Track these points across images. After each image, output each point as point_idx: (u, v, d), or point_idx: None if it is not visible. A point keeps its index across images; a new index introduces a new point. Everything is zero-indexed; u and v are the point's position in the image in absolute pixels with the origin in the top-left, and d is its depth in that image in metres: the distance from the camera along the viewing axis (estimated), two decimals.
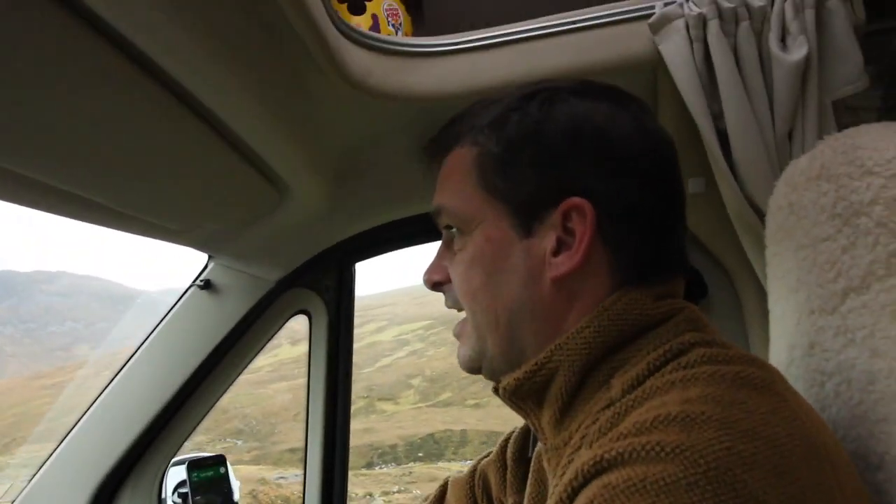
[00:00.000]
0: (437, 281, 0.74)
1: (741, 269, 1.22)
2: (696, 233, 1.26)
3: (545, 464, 0.70)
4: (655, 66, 1.05)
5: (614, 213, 0.62)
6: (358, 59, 0.97)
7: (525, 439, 0.88)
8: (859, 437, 0.61)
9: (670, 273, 0.65)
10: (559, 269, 0.62)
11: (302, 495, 1.64)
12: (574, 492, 0.50)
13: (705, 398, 0.49)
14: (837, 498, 0.47)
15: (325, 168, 1.23)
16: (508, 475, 0.87)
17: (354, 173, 1.31)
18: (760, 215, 0.99)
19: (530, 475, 0.78)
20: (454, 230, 0.70)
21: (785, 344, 0.79)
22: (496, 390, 0.68)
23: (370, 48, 1.00)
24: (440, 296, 0.75)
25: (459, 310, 0.73)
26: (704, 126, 1.01)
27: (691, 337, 0.58)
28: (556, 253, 0.63)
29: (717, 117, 1.02)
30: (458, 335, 0.73)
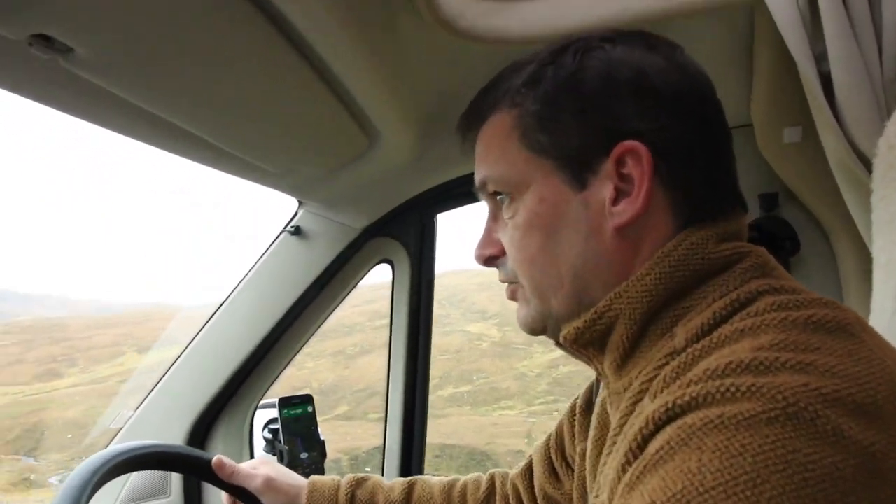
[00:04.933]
0: (490, 255, 0.72)
1: (838, 223, 1.17)
2: (791, 185, 1.22)
3: (608, 407, 0.70)
4: (753, 4, 1.01)
5: (666, 152, 0.60)
6: (451, 1, 0.99)
7: (592, 390, 0.89)
8: None
9: (731, 208, 0.63)
10: (622, 217, 0.61)
11: (383, 440, 1.71)
12: (645, 440, 0.49)
13: (778, 345, 0.48)
14: None
15: (414, 115, 1.26)
16: (577, 425, 0.89)
17: (441, 122, 1.33)
18: (866, 162, 0.95)
19: (594, 419, 0.78)
20: (502, 197, 0.69)
21: (891, 292, 0.76)
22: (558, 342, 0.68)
23: None
24: None
25: (513, 282, 0.71)
26: (806, 68, 0.97)
27: (758, 285, 0.56)
28: (615, 202, 0.61)
29: (820, 59, 0.98)
30: (511, 298, 0.72)
